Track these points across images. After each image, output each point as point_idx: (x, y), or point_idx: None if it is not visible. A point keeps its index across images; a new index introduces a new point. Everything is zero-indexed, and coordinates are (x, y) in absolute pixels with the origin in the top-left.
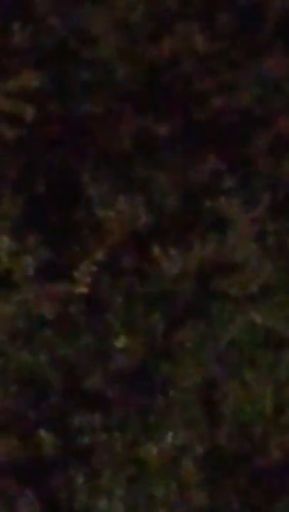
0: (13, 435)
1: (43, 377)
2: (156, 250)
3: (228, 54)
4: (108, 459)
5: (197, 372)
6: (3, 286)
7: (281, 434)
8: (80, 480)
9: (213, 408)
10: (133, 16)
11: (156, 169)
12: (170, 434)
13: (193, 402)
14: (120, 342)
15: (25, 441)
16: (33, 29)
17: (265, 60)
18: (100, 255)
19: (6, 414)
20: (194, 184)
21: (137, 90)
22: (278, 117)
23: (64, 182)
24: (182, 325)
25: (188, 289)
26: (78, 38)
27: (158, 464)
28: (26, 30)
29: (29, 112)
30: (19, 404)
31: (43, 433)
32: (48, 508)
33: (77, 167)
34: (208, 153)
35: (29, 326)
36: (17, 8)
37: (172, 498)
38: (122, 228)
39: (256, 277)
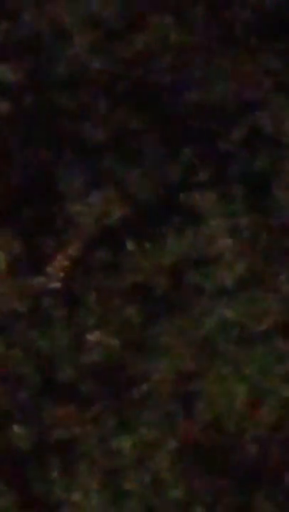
0: None
1: (17, 371)
2: (130, 245)
3: (202, 48)
4: (83, 452)
5: (172, 366)
6: None
7: (255, 429)
8: (54, 473)
9: (187, 402)
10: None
11: (130, 163)
12: (144, 428)
13: (168, 396)
14: (94, 336)
15: (0, 434)
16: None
17: (241, 54)
18: (73, 250)
19: None
20: (168, 178)
21: (111, 84)
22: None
23: (37, 176)
24: (157, 319)
25: (163, 283)
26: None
27: (132, 458)
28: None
29: (4, 106)
30: None
31: (17, 427)
32: (22, 501)
33: (50, 161)
34: (183, 147)
35: (3, 320)
36: None
37: (147, 492)
38: (96, 223)
39: (230, 272)
